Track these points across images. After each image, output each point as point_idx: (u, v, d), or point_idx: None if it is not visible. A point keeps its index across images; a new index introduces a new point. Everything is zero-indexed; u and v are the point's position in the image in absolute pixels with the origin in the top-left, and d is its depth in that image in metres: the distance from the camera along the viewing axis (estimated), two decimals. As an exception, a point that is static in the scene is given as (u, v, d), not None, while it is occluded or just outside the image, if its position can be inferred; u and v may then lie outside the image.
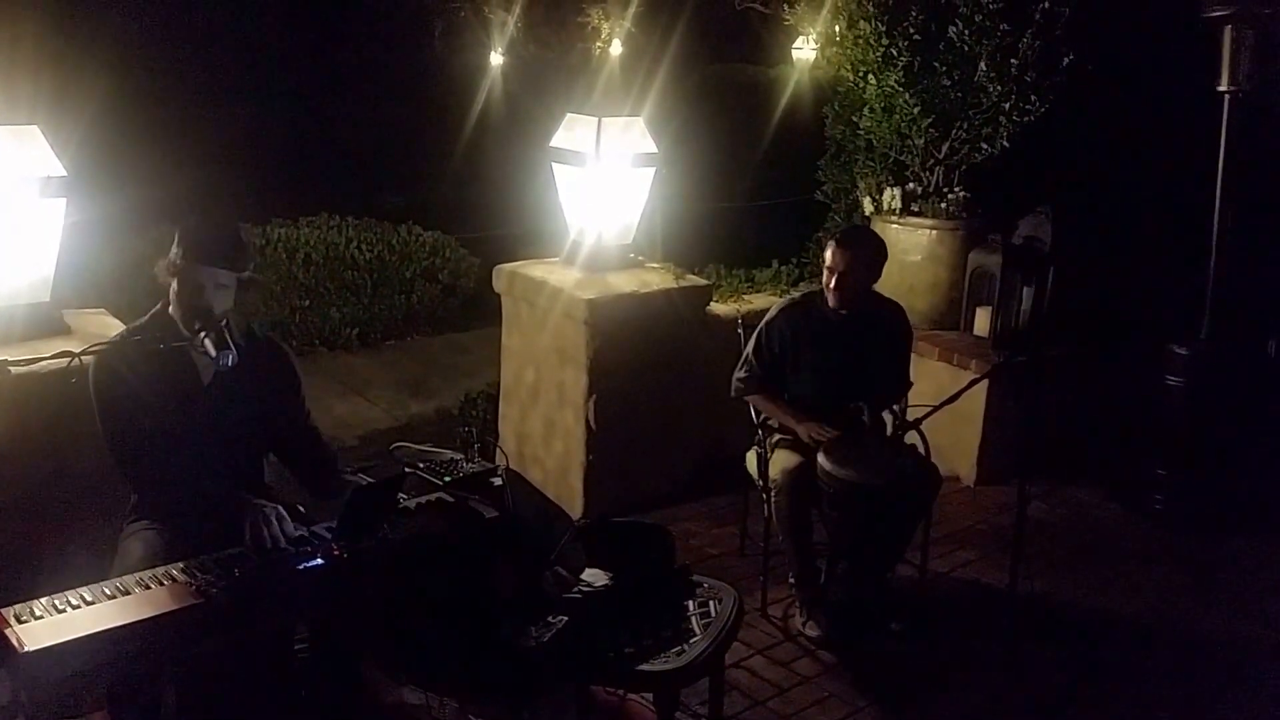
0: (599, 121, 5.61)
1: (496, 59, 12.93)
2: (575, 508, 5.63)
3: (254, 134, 13.35)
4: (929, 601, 4.93)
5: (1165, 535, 5.77)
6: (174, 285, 3.46)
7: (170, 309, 3.50)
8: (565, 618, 3.31)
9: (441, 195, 12.61)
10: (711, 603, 3.59)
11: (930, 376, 5.95)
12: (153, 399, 3.42)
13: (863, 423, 4.67)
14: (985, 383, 5.85)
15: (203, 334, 3.37)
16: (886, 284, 6.20)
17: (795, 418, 4.69)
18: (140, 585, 2.95)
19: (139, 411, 3.40)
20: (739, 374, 4.92)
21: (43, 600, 2.83)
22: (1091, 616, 4.97)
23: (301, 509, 3.47)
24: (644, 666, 3.27)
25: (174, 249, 3.46)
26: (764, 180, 13.05)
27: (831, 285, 4.70)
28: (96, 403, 3.43)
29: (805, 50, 10.05)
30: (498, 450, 5.48)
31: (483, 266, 8.93)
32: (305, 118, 14.28)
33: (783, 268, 7.01)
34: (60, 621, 2.76)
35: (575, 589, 3.49)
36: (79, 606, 2.83)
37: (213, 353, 3.34)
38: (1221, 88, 5.55)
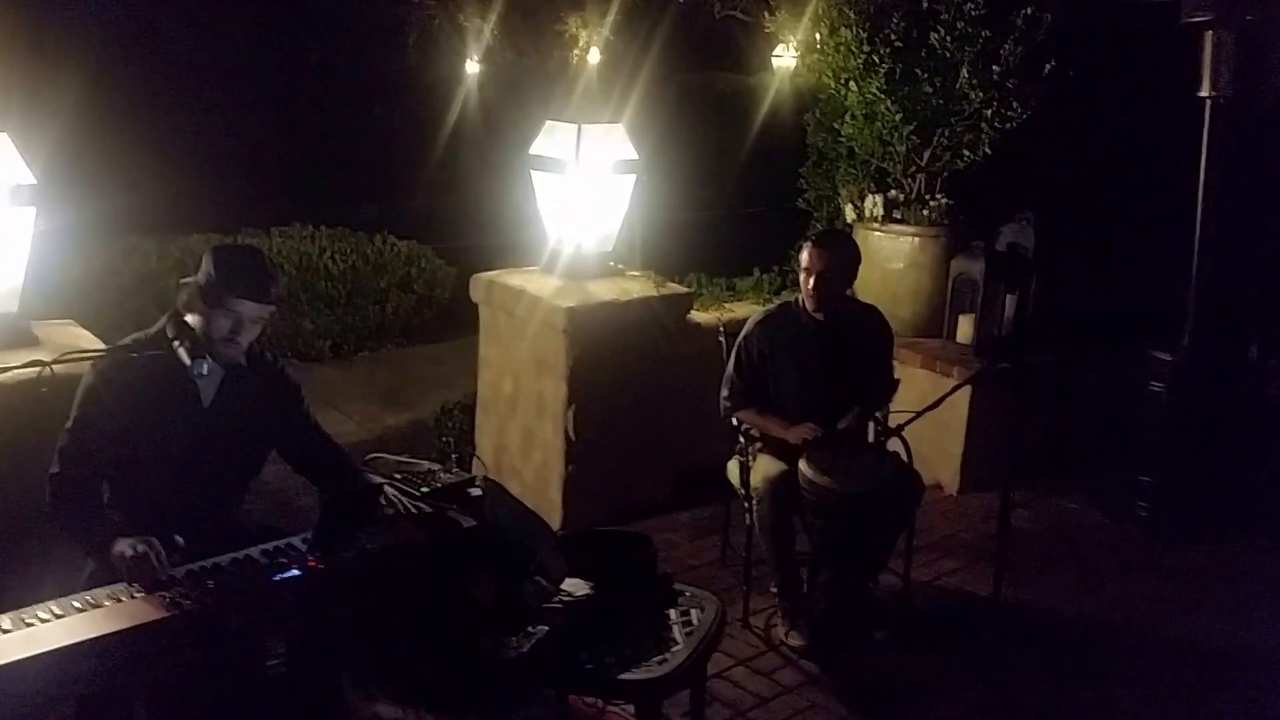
0: (579, 128, 5.56)
1: (472, 67, 12.85)
2: (554, 520, 5.56)
3: (225, 143, 13.26)
4: (912, 610, 4.88)
5: (1150, 542, 5.75)
6: (202, 315, 3.38)
7: (186, 330, 3.42)
8: (545, 628, 3.26)
9: (416, 204, 12.54)
10: (693, 611, 3.55)
11: (913, 384, 5.90)
12: (144, 418, 3.36)
13: (845, 429, 4.63)
14: (969, 390, 5.84)
15: (177, 343, 3.31)
16: (869, 292, 6.20)
17: (784, 426, 4.63)
18: (111, 598, 2.89)
19: (124, 427, 3.34)
20: (724, 394, 4.85)
21: (9, 614, 2.75)
22: (1076, 624, 4.94)
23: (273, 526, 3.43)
24: (625, 676, 3.22)
25: (209, 278, 3.37)
26: (745, 188, 13.04)
27: (810, 287, 4.66)
28: (78, 408, 3.35)
29: (785, 58, 10.02)
30: (475, 461, 5.42)
31: (458, 276, 8.88)
32: (277, 126, 14.17)
33: (764, 276, 6.98)
34: (28, 636, 2.69)
35: (556, 599, 3.44)
36: (48, 620, 2.76)
37: (187, 361, 3.28)
38: (1203, 93, 5.53)
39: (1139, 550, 5.68)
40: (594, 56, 9.47)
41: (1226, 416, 5.81)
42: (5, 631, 2.69)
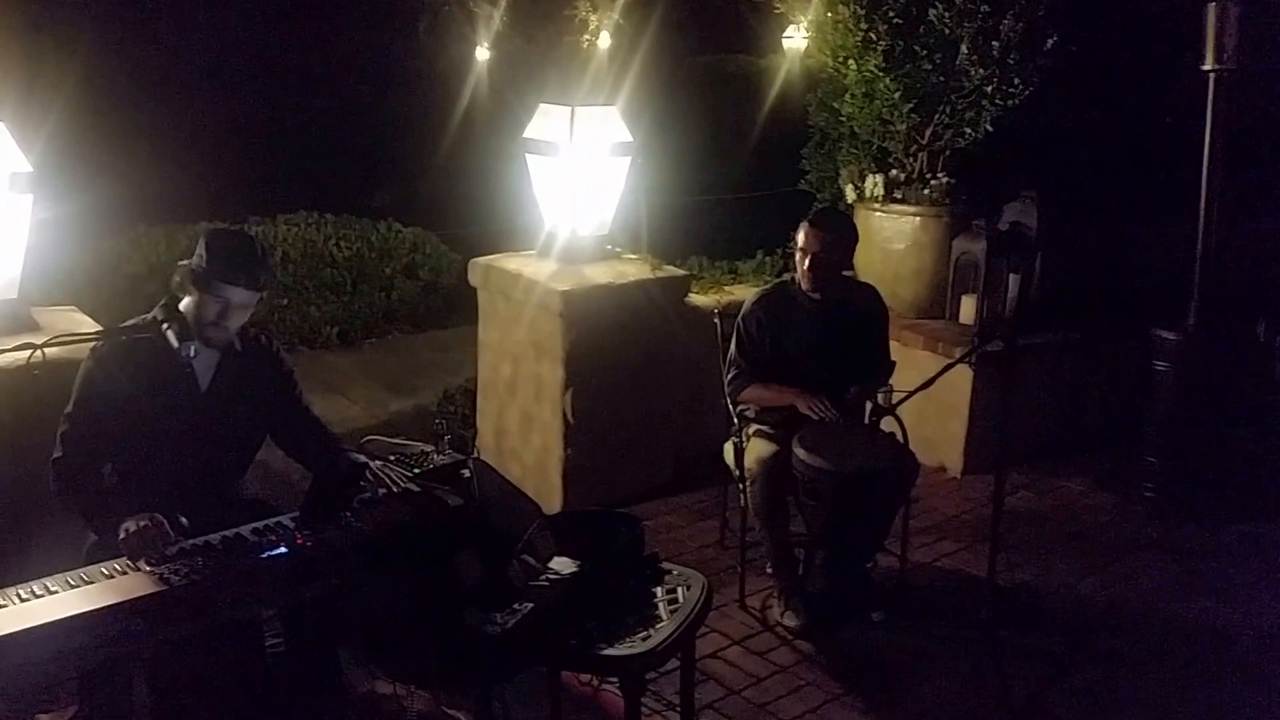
0: (572, 111, 5.54)
1: (482, 53, 12.86)
2: (554, 502, 5.55)
3: (230, 130, 13.25)
4: (910, 591, 4.86)
5: (1155, 523, 5.70)
6: (194, 298, 3.46)
7: (175, 313, 3.44)
8: (530, 604, 3.26)
9: (423, 191, 12.52)
10: (680, 589, 3.55)
11: (914, 366, 5.86)
12: (142, 401, 3.41)
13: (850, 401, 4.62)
14: (970, 372, 5.81)
15: (166, 325, 3.33)
16: (870, 273, 6.17)
17: (795, 392, 4.61)
18: (104, 575, 2.95)
19: (122, 410, 3.39)
20: (729, 375, 4.83)
21: (8, 589, 2.82)
22: (1079, 605, 4.91)
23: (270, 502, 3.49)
24: (608, 651, 3.23)
25: (201, 261, 3.43)
26: (753, 171, 12.98)
27: (806, 268, 4.64)
28: (77, 392, 3.42)
29: (796, 39, 10.00)
30: (474, 444, 5.42)
31: (464, 263, 8.87)
32: (283, 113, 14.12)
33: (767, 258, 6.94)
34: (24, 610, 2.75)
35: (543, 577, 3.44)
36: (43, 595, 2.82)
37: (175, 343, 3.30)
38: (1207, 67, 5.46)
39: (1144, 531, 5.64)
40: (604, 41, 9.47)
41: (1233, 396, 5.76)
42: (2, 606, 2.75)
